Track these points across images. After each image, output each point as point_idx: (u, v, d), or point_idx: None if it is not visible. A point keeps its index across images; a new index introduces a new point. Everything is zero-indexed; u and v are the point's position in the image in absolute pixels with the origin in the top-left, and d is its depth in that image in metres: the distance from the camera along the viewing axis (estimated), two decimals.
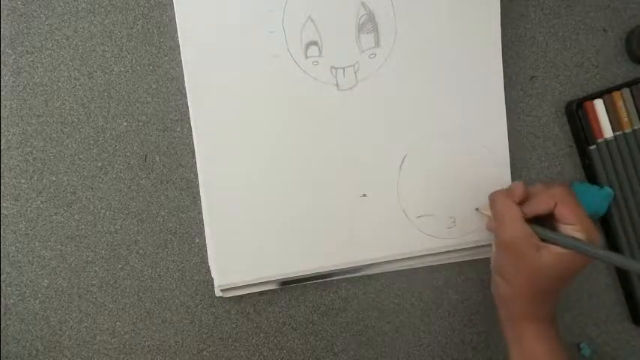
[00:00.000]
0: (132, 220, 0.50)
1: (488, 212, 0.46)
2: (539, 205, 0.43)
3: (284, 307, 0.52)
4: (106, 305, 0.50)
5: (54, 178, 0.49)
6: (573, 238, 0.41)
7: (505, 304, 0.45)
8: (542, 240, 0.42)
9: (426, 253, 0.50)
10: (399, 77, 0.49)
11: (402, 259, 0.50)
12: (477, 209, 0.50)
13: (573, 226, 0.42)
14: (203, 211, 0.49)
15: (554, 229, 0.43)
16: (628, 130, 0.51)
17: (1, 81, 0.48)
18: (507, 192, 0.45)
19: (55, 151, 0.49)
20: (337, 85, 0.49)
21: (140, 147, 0.50)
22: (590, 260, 0.42)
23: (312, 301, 0.52)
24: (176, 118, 0.50)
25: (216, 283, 0.50)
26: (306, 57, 0.48)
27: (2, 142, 0.49)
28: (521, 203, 0.44)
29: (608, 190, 0.50)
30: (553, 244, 0.42)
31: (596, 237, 0.42)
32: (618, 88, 0.51)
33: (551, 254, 0.41)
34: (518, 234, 0.42)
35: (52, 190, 0.49)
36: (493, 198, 0.45)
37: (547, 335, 0.44)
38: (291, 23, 0.47)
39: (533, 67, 0.52)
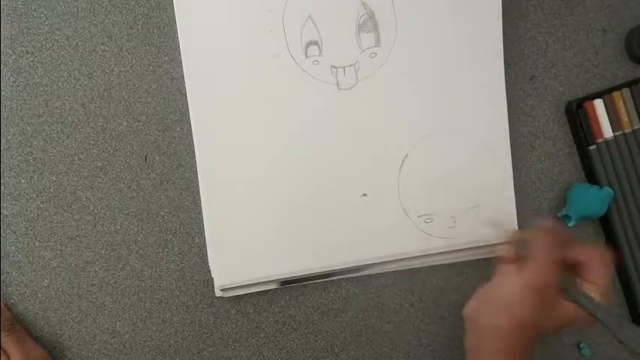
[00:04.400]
0: (132, 220, 0.50)
1: (510, 236, 0.45)
2: (580, 255, 0.42)
3: (284, 307, 0.52)
4: (106, 305, 0.50)
5: (54, 178, 0.49)
6: (590, 298, 0.41)
7: (496, 335, 0.43)
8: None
9: (426, 253, 0.50)
10: (400, 77, 0.49)
11: (402, 259, 0.50)
12: (505, 230, 0.48)
13: (594, 285, 0.42)
14: (203, 211, 0.49)
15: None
16: (628, 130, 0.51)
17: (1, 81, 0.48)
18: (552, 234, 0.43)
19: (55, 151, 0.49)
20: (337, 84, 0.49)
21: (140, 147, 0.50)
22: (588, 322, 0.42)
23: (312, 301, 0.52)
24: (176, 118, 0.50)
25: (216, 283, 0.50)
26: (307, 56, 0.48)
27: (2, 142, 0.49)
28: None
29: (608, 190, 0.50)
30: (568, 297, 0.42)
31: (609, 300, 0.42)
32: (618, 88, 0.51)
33: (565, 313, 0.42)
34: (551, 282, 0.42)
35: (52, 190, 0.49)
36: (537, 239, 0.43)
37: None
38: (291, 23, 0.47)
39: (533, 67, 0.52)
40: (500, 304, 0.43)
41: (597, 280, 0.42)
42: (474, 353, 0.45)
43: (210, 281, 0.50)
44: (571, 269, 0.43)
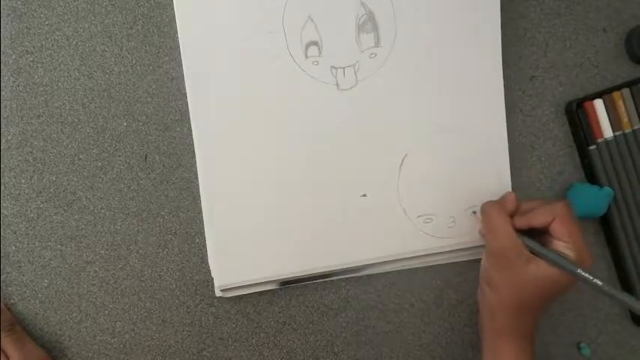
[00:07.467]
0: (132, 220, 0.50)
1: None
2: (537, 218, 0.43)
3: (284, 307, 0.52)
4: (106, 305, 0.50)
5: (54, 178, 0.49)
6: (562, 255, 0.41)
7: (488, 313, 0.45)
8: (532, 253, 0.43)
9: (426, 253, 0.50)
10: (399, 77, 0.49)
11: (402, 259, 0.50)
12: (474, 213, 0.50)
13: (566, 244, 0.42)
14: (203, 211, 0.49)
15: (545, 244, 0.43)
16: (628, 130, 0.51)
17: (1, 81, 0.48)
18: (499, 202, 0.45)
19: (55, 151, 0.49)
20: (337, 85, 0.49)
21: (140, 147, 0.50)
22: (576, 281, 0.42)
23: (312, 301, 0.52)
24: (176, 118, 0.50)
25: (216, 283, 0.50)
26: (306, 57, 0.48)
27: (2, 142, 0.49)
28: (512, 214, 0.44)
29: (608, 190, 0.50)
30: (541, 258, 0.42)
31: (588, 259, 0.42)
32: (618, 88, 0.51)
33: (540, 269, 0.42)
34: (508, 245, 0.43)
35: (52, 190, 0.49)
36: (485, 208, 0.46)
37: (523, 352, 0.44)
38: (291, 23, 0.47)
39: (533, 67, 0.52)
40: (482, 280, 0.46)
41: (563, 236, 0.42)
42: (482, 334, 0.47)
43: (210, 281, 0.50)
44: (545, 233, 0.44)
